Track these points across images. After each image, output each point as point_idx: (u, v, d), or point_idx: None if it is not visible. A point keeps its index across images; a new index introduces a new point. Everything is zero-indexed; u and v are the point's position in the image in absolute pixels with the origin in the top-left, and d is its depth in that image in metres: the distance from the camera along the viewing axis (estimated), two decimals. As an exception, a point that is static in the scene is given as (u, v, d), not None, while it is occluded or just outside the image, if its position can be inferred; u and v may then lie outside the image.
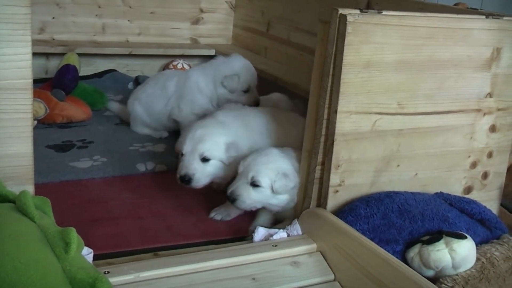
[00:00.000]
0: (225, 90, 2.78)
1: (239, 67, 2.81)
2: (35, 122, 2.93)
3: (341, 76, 1.81)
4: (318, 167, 1.92)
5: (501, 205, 2.40)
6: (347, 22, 1.77)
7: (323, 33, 1.86)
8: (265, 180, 2.00)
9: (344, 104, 1.84)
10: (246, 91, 2.80)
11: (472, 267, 1.78)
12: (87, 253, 1.62)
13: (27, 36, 1.59)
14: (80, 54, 3.49)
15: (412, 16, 1.90)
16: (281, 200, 2.04)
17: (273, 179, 1.99)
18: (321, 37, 1.87)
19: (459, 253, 1.73)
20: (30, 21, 1.59)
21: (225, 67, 2.81)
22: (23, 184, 1.66)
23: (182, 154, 2.17)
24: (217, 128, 2.21)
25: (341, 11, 1.79)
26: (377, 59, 1.86)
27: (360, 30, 1.80)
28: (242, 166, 2.06)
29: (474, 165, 2.18)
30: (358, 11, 1.80)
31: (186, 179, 2.13)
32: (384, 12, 1.85)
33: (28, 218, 1.37)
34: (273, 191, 2.00)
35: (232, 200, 2.02)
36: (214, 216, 2.19)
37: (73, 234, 1.21)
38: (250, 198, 2.01)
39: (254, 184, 2.00)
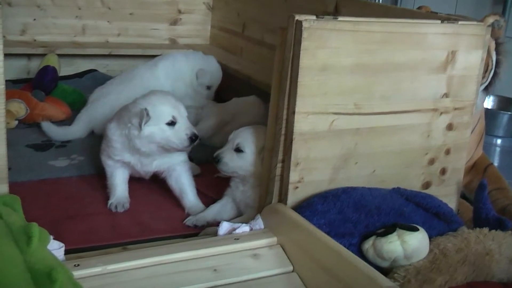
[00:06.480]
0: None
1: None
2: (16, 122, 3.02)
3: (298, 79, 1.88)
4: (279, 165, 1.99)
5: (466, 199, 2.47)
6: (302, 28, 1.83)
7: (281, 38, 1.93)
8: (249, 147, 2.14)
9: (301, 105, 1.91)
10: None
11: (424, 258, 1.85)
12: (58, 247, 1.70)
13: (-1, 44, 1.67)
14: (61, 55, 3.55)
15: (367, 22, 1.97)
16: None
17: (260, 146, 2.12)
18: (280, 43, 1.94)
19: (411, 245, 1.81)
20: (1, 28, 1.67)
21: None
22: (-3, 183, 1.73)
23: None
24: None
25: (297, 17, 1.85)
26: (333, 63, 1.93)
27: (316, 35, 1.87)
28: (233, 134, 2.21)
29: (432, 161, 2.24)
30: (314, 17, 1.86)
31: None
32: (340, 18, 1.92)
33: (-4, 215, 1.46)
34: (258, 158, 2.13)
35: (216, 161, 2.17)
36: (186, 223, 2.20)
37: (35, 229, 1.31)
38: (232, 161, 2.16)
39: (238, 150, 2.15)
